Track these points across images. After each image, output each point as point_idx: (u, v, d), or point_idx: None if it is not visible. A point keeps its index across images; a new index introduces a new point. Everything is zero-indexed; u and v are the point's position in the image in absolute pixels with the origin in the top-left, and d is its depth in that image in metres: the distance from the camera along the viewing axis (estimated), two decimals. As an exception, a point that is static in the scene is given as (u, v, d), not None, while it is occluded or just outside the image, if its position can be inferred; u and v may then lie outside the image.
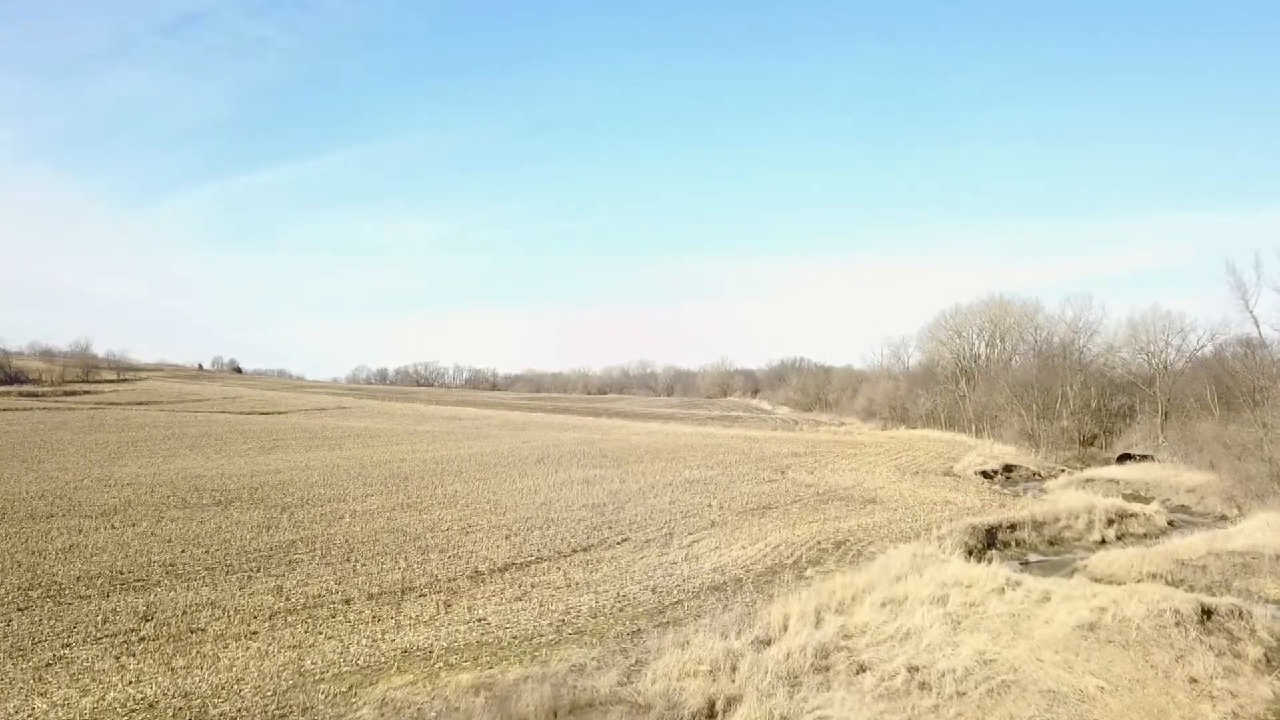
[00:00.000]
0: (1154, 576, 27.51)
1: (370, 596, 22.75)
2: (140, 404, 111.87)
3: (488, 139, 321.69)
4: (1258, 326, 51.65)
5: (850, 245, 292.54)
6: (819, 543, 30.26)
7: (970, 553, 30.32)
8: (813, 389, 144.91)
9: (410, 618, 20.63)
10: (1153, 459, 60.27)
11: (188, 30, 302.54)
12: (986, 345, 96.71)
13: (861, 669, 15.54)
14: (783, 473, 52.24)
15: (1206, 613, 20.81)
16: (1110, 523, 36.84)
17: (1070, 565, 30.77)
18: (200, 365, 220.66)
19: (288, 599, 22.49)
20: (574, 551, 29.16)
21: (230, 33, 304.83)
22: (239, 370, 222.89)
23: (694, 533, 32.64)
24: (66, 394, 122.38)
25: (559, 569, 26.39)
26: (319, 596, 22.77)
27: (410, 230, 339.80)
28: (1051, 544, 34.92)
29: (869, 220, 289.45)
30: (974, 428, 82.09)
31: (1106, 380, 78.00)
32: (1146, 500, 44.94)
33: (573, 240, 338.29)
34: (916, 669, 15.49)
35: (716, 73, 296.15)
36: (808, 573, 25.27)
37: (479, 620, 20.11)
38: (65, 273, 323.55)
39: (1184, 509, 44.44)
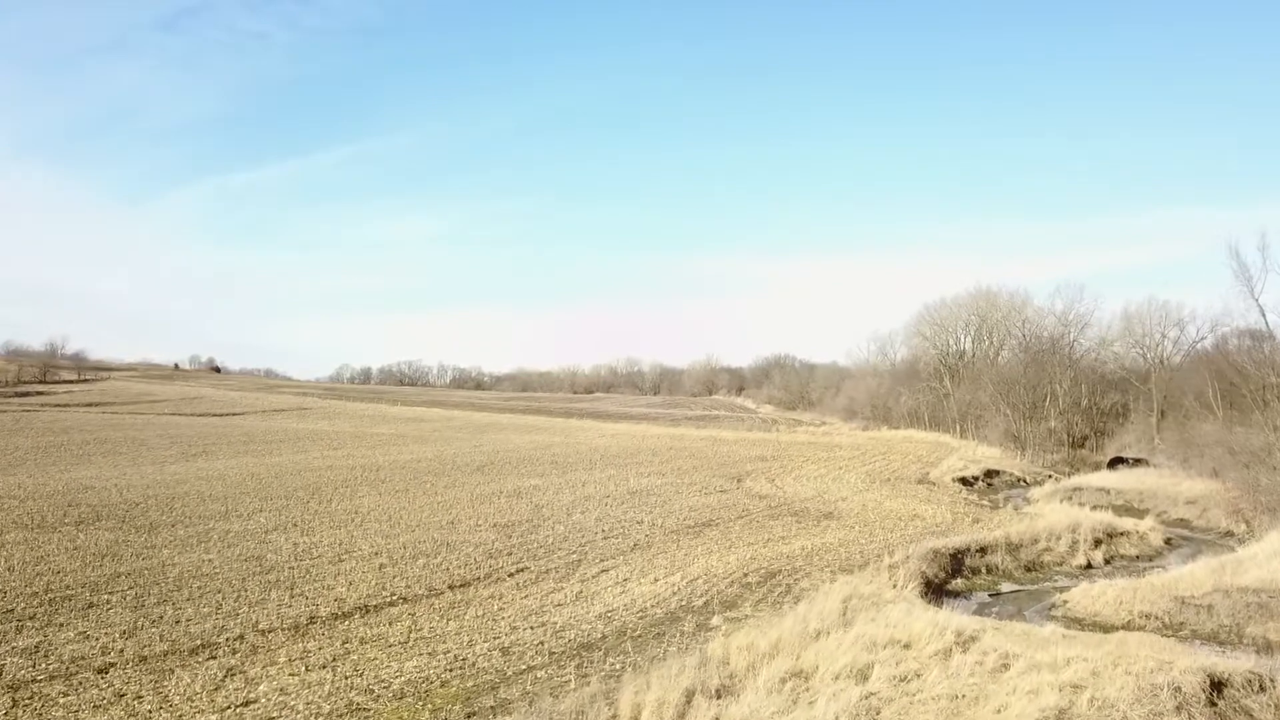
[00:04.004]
0: (1147, 617, 22.64)
1: (141, 660, 17.67)
2: (90, 405, 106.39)
3: (486, 136, 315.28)
4: (1264, 316, 46.22)
5: (850, 243, 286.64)
6: (746, 575, 25.20)
7: (929, 585, 25.36)
8: (796, 387, 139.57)
9: (165, 696, 15.56)
10: (1147, 463, 55.37)
11: (186, 25, 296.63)
12: (972, 340, 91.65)
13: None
14: (739, 481, 47.23)
15: (1217, 686, 15.80)
16: (1098, 543, 31.89)
17: (1048, 598, 25.88)
18: (176, 364, 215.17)
19: (35, 663, 17.43)
20: (450, 588, 24.13)
21: (228, 28, 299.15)
22: (217, 369, 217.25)
23: (606, 560, 27.64)
24: (18, 395, 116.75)
25: (413, 614, 21.35)
26: (79, 659, 17.69)
27: (408, 228, 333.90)
28: (1029, 569, 29.97)
29: (868, 218, 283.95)
30: (958, 428, 77.14)
31: (1098, 376, 73.11)
32: (1140, 513, 39.95)
33: (572, 238, 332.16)
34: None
35: (713, 72, 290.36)
36: (714, 620, 20.22)
37: (245, 704, 15.03)
38: (61, 270, 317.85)
39: (1183, 523, 39.47)
